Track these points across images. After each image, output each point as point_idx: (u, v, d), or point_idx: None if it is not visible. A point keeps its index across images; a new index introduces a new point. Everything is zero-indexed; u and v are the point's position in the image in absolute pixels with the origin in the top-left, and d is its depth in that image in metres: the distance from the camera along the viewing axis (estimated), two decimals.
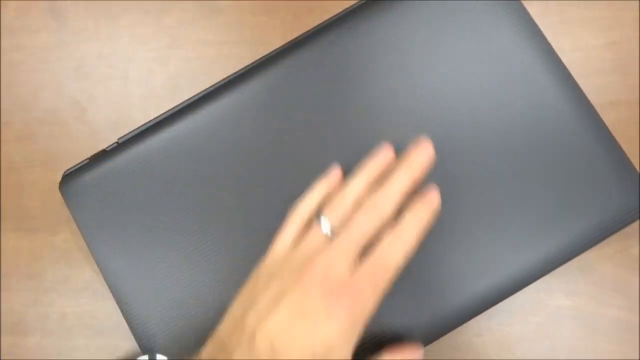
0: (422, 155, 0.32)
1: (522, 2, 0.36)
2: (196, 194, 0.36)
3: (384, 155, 0.33)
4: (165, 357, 0.33)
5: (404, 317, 0.33)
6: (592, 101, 0.38)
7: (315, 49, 0.36)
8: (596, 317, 0.37)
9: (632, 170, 0.34)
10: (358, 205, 0.31)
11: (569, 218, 0.33)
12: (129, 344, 0.39)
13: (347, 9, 0.37)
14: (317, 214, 0.32)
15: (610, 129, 0.36)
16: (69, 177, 0.36)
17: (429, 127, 0.35)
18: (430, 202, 0.31)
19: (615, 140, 0.34)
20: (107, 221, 0.36)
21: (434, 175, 0.33)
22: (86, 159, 0.37)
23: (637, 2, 0.40)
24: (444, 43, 0.36)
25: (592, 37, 0.40)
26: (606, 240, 0.35)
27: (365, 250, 0.29)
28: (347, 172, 0.34)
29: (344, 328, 0.27)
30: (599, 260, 0.38)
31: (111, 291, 0.35)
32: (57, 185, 0.37)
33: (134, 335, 0.34)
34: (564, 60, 0.35)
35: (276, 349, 0.26)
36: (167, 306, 0.34)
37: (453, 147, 0.35)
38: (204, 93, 0.37)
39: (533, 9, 0.40)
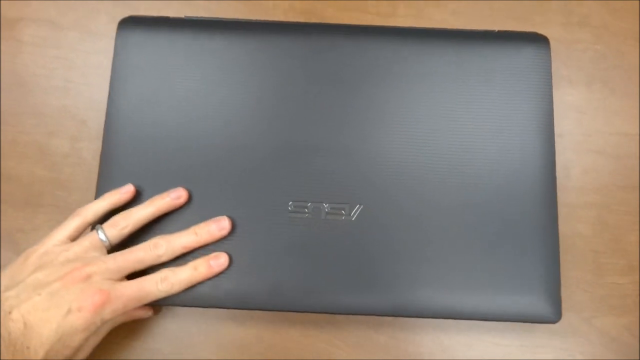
0: (213, 228, 0.37)
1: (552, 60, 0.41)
2: (220, 102, 0.39)
3: (177, 195, 0.37)
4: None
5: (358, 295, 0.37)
6: (621, 182, 0.43)
7: (363, 44, 0.41)
8: None
9: (557, 283, 0.37)
10: (136, 227, 0.36)
11: (495, 290, 0.37)
12: None
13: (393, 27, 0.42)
14: (99, 223, 0.36)
15: (634, 211, 0.40)
16: (130, 21, 0.40)
17: (411, 146, 0.39)
18: (212, 265, 0.36)
19: (558, 244, 0.38)
20: (135, 69, 0.39)
21: (409, 198, 0.38)
22: (150, 16, 0.41)
23: None
24: (459, 80, 0.40)
25: (628, 126, 0.45)
26: (625, 311, 0.40)
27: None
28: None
29: (87, 323, 0.32)
30: (617, 328, 0.41)
31: (104, 127, 0.38)
32: None
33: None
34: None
35: (29, 325, 0.31)
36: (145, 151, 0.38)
37: (424, 170, 0.39)
38: (272, 22, 0.41)
39: (578, 92, 0.44)
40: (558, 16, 0.47)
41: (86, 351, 0.35)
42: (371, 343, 0.41)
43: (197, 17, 0.42)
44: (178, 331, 0.40)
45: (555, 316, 0.37)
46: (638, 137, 0.44)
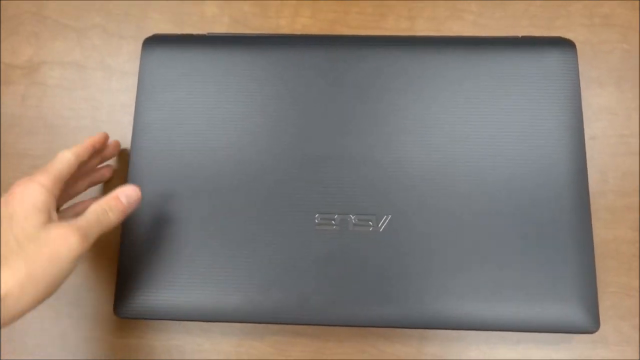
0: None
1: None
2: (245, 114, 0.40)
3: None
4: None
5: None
6: None
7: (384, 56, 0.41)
8: None
9: (593, 291, 0.36)
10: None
11: (529, 303, 0.36)
12: None
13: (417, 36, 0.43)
14: None
15: None
16: (155, 39, 0.41)
17: (433, 152, 0.39)
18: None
19: (592, 249, 0.37)
20: (160, 86, 0.40)
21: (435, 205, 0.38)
22: (175, 34, 0.42)
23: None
24: (484, 84, 0.40)
25: None
26: None
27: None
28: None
29: (23, 281, 0.29)
30: None
31: (131, 144, 0.39)
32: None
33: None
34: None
35: None
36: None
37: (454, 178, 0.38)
38: (290, 35, 0.42)
39: (608, 94, 0.43)
40: (580, 18, 0.46)
41: None
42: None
43: (219, 33, 0.42)
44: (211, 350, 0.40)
45: (592, 325, 0.36)
46: None
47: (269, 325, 0.41)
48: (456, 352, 0.40)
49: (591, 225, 0.37)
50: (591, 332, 0.36)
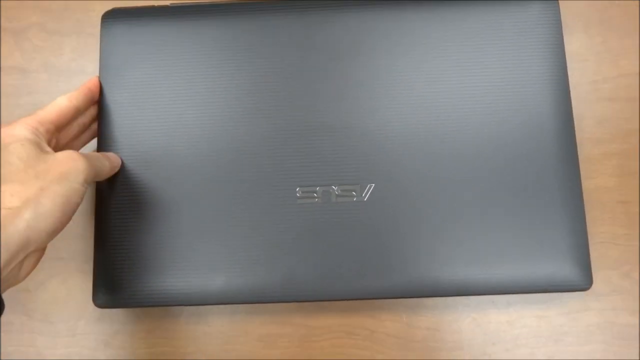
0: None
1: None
2: (204, 84, 0.38)
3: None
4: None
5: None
6: (638, 126, 0.41)
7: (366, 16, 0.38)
8: None
9: (585, 248, 0.36)
10: None
11: (520, 261, 0.35)
12: None
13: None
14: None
15: None
16: (114, 13, 0.39)
17: (420, 110, 0.37)
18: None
19: (582, 205, 0.36)
20: (124, 63, 0.38)
21: (425, 169, 0.36)
22: (135, 7, 0.40)
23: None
24: (465, 39, 0.38)
25: (635, 64, 0.42)
26: None
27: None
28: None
29: (38, 194, 0.29)
30: None
31: (98, 126, 0.37)
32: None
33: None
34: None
35: None
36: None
37: (441, 138, 0.37)
38: (259, 1, 0.39)
39: (577, 40, 0.42)
40: None
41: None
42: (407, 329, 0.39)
43: (182, 3, 0.40)
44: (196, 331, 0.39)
45: (585, 282, 0.35)
46: None
47: (256, 306, 0.39)
48: (449, 322, 0.39)
49: (580, 181, 0.36)
50: (585, 289, 0.35)
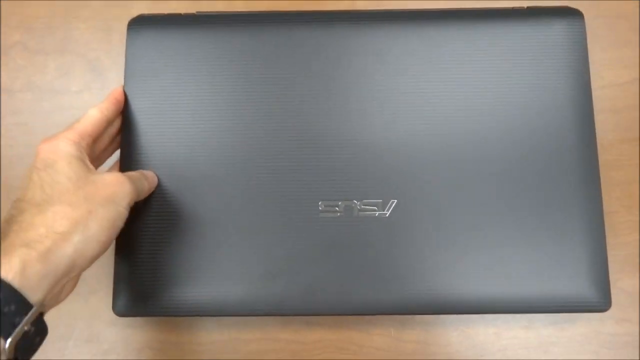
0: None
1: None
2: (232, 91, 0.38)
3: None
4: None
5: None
6: (622, 136, 0.41)
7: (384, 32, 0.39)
8: None
9: (604, 265, 0.36)
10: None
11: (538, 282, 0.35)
12: None
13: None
14: None
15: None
16: (140, 20, 0.39)
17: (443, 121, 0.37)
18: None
19: (603, 226, 0.36)
20: (149, 69, 0.38)
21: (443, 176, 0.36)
22: (161, 14, 0.40)
23: None
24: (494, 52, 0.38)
25: (619, 75, 0.43)
26: None
27: None
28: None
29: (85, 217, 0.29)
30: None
31: (122, 127, 0.37)
32: (110, 246, 0.38)
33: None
34: (594, 97, 0.38)
35: None
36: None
37: (461, 150, 0.37)
38: (284, 13, 0.40)
39: None
40: None
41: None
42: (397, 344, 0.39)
43: (208, 12, 0.40)
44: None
45: (604, 303, 0.35)
46: (633, 84, 0.42)
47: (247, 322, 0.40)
48: (437, 335, 0.39)
49: (602, 202, 0.36)
50: (603, 311, 0.35)
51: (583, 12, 0.39)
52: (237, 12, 0.40)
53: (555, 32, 0.38)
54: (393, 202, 0.36)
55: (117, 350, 0.39)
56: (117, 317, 0.39)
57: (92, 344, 0.40)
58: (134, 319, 0.40)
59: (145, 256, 0.36)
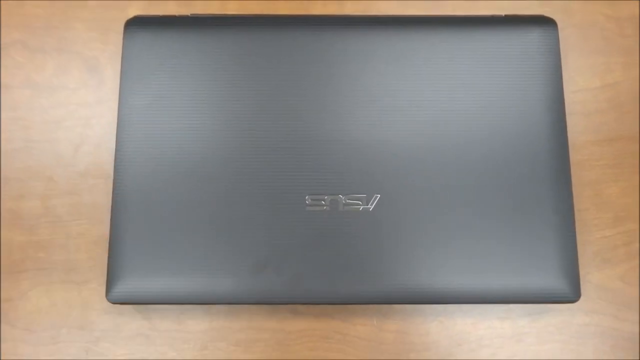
0: None
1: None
2: (225, 94, 0.40)
3: None
4: None
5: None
6: (593, 138, 0.44)
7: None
8: (615, 332, 0.41)
9: (574, 258, 0.38)
10: None
11: (510, 272, 0.38)
12: None
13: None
14: None
15: (611, 162, 0.42)
16: (137, 21, 0.41)
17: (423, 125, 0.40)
18: None
19: (573, 220, 0.38)
20: (144, 68, 0.40)
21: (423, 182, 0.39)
22: (157, 15, 0.42)
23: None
24: (469, 61, 0.41)
25: (589, 81, 0.45)
26: (617, 261, 0.41)
27: None
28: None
29: None
30: (613, 280, 0.42)
31: (117, 123, 0.39)
32: (103, 237, 0.41)
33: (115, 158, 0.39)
34: (565, 100, 0.40)
35: None
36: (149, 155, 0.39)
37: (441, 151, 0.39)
38: (275, 16, 0.43)
39: None
40: None
41: None
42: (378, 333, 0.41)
43: (202, 14, 0.42)
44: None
45: (574, 294, 0.37)
46: (602, 89, 0.45)
47: (234, 311, 0.41)
48: (417, 325, 0.41)
49: (572, 198, 0.38)
50: (573, 301, 0.38)
51: (557, 22, 0.42)
52: (230, 14, 0.42)
53: (531, 39, 0.41)
54: (377, 197, 0.38)
55: (109, 337, 0.41)
56: (109, 306, 0.41)
57: (84, 331, 0.41)
58: (125, 308, 0.41)
59: (138, 247, 0.38)
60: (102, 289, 0.41)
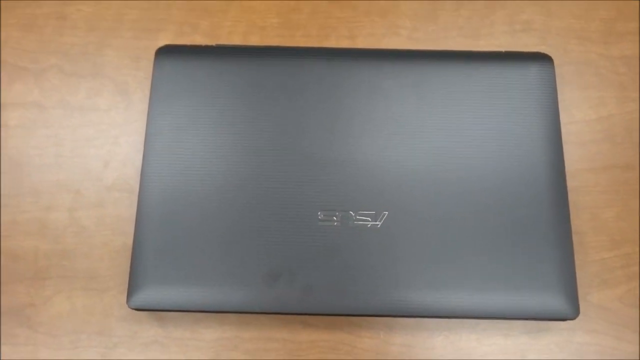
0: None
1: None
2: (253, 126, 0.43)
3: None
4: None
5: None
6: (589, 166, 0.46)
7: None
8: (614, 351, 0.42)
9: (573, 278, 0.40)
10: None
11: (510, 291, 0.40)
12: None
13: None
14: None
15: (606, 189, 0.45)
16: (167, 49, 0.45)
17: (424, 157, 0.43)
18: None
19: (571, 241, 0.41)
20: (172, 93, 0.43)
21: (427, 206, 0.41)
22: (185, 45, 0.46)
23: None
24: (470, 97, 0.44)
25: (585, 113, 0.48)
26: (616, 283, 0.43)
27: None
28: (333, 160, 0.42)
29: None
30: (612, 301, 0.44)
31: (145, 143, 0.42)
32: (125, 247, 0.43)
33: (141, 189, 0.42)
34: (562, 131, 0.43)
35: None
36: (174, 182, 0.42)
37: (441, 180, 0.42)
38: (294, 48, 0.47)
39: None
40: (502, 26, 0.51)
41: None
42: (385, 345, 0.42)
43: (226, 44, 0.47)
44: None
45: (572, 312, 0.39)
46: (598, 121, 0.48)
47: (245, 321, 0.43)
48: (423, 339, 0.43)
49: (569, 219, 0.41)
50: (571, 319, 0.39)
51: (553, 58, 0.45)
52: (252, 45, 0.46)
53: (529, 74, 0.44)
54: (385, 214, 0.41)
55: (125, 343, 0.42)
56: (128, 313, 0.43)
57: (102, 336, 0.42)
58: (142, 316, 0.43)
59: (159, 257, 0.40)
60: (122, 297, 0.43)
